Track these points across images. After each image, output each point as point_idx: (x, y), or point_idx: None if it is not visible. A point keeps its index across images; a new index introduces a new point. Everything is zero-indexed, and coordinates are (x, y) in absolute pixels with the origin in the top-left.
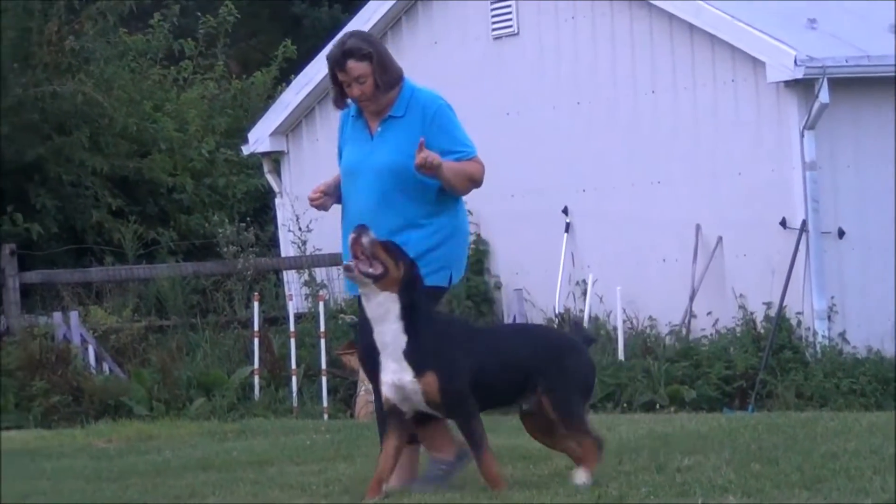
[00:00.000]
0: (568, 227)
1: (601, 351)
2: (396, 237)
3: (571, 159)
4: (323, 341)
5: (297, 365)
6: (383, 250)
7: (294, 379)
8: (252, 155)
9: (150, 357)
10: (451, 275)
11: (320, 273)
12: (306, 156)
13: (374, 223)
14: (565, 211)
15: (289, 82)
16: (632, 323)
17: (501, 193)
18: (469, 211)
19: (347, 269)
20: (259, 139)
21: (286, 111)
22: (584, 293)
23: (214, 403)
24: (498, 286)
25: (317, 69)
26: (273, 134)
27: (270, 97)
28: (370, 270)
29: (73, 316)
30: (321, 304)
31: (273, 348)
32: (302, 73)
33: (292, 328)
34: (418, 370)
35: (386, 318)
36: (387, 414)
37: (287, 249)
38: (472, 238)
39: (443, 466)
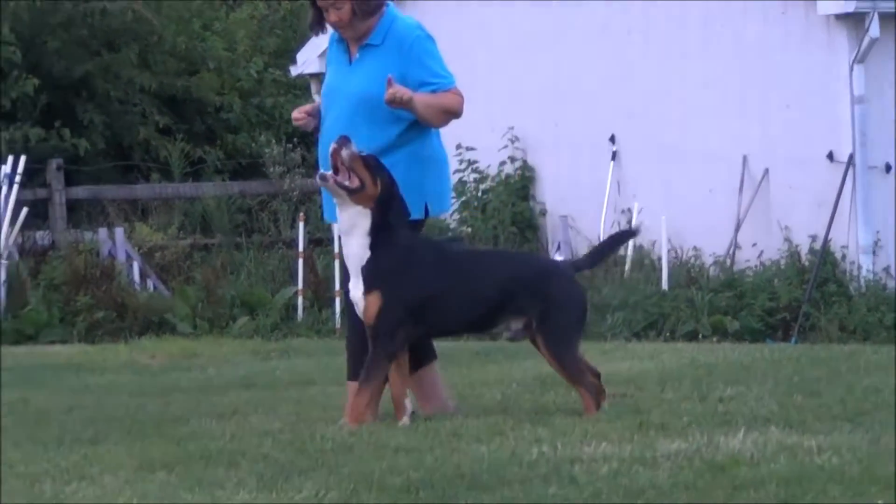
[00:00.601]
0: (614, 155)
1: (644, 280)
2: None
3: (620, 88)
4: None
5: (341, 286)
6: (363, 165)
7: (337, 300)
8: (300, 76)
9: (194, 275)
10: (426, 205)
11: None
12: None
13: None
14: (612, 139)
15: None
16: (676, 253)
17: (548, 120)
18: (516, 137)
19: (323, 178)
20: (307, 60)
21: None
22: (629, 221)
23: (258, 322)
24: (543, 213)
25: None
26: (321, 55)
27: None
28: (346, 183)
29: (119, 232)
30: None
31: (317, 269)
32: None
33: (336, 249)
34: (367, 287)
35: (353, 231)
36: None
37: None
38: (517, 164)
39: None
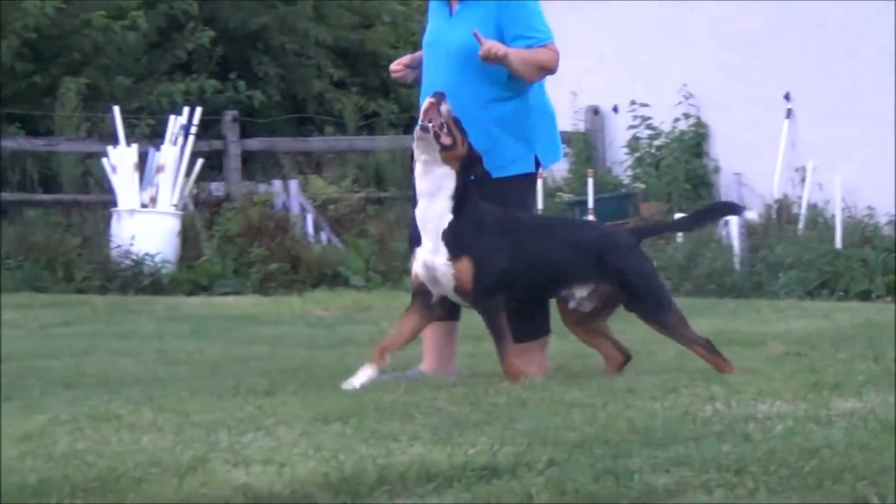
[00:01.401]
0: (789, 112)
1: (818, 239)
2: (466, 120)
3: (794, 45)
4: None
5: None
6: (454, 123)
7: None
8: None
9: (367, 228)
10: (536, 157)
11: None
12: None
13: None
14: (787, 96)
15: None
16: (850, 212)
17: (722, 76)
18: (690, 93)
19: (424, 129)
20: None
21: None
22: (803, 180)
23: None
24: (716, 170)
25: None
26: None
27: None
28: (443, 139)
29: (293, 184)
30: (539, 181)
31: None
32: None
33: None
34: (454, 254)
35: (438, 193)
36: (413, 291)
37: None
38: (691, 121)
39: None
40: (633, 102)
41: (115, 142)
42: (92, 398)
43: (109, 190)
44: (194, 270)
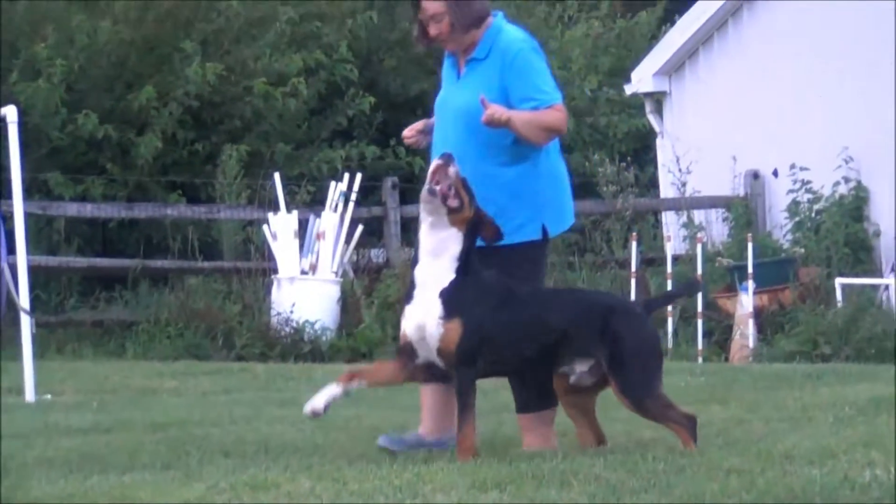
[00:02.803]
0: None
1: None
2: (473, 183)
3: None
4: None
5: (673, 307)
6: (462, 186)
7: (670, 320)
8: (634, 95)
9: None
10: (543, 226)
11: (699, 215)
12: (689, 97)
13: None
14: None
15: (673, 22)
16: None
17: (883, 138)
18: (850, 157)
19: (432, 192)
20: (641, 79)
21: (670, 51)
22: None
23: None
24: (877, 234)
25: (702, 9)
26: (656, 74)
27: (654, 37)
28: (450, 201)
29: None
30: (699, 246)
31: (650, 289)
32: (687, 14)
33: (669, 269)
34: (448, 313)
35: (442, 254)
36: (398, 349)
37: (666, 191)
38: (851, 185)
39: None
40: (792, 166)
41: (275, 209)
42: (251, 466)
43: (270, 257)
44: (354, 338)
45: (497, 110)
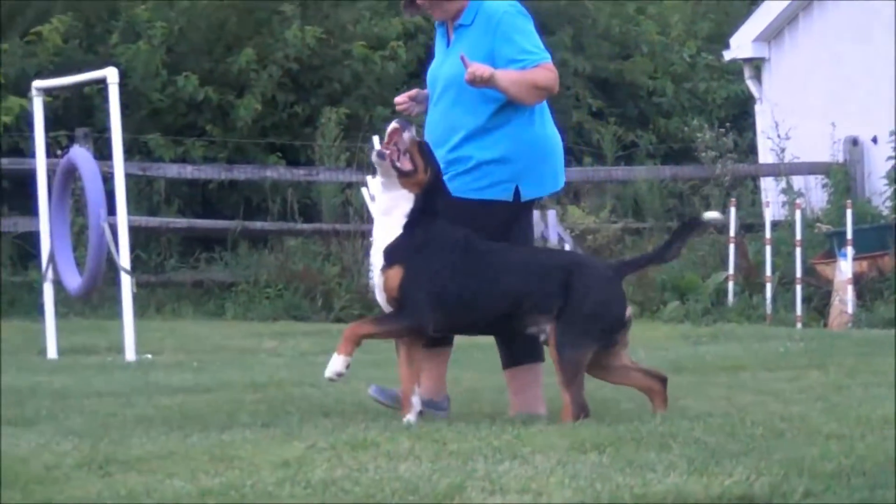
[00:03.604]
0: None
1: None
2: (458, 149)
3: None
4: (798, 250)
5: (772, 272)
6: (418, 150)
7: (768, 286)
8: (733, 61)
9: (625, 258)
10: (517, 188)
11: (798, 181)
12: (787, 62)
13: (441, 135)
14: None
15: None
16: None
17: None
18: None
19: (380, 155)
20: (740, 45)
21: (769, 17)
22: None
23: (688, 307)
24: None
25: None
26: (755, 40)
27: (753, 3)
28: (398, 164)
29: (551, 214)
30: (798, 212)
31: (748, 255)
32: None
33: (768, 235)
34: (388, 262)
35: (391, 213)
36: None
37: (765, 156)
38: None
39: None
40: (892, 133)
41: (374, 171)
42: (350, 426)
43: (368, 219)
44: None
45: (478, 68)
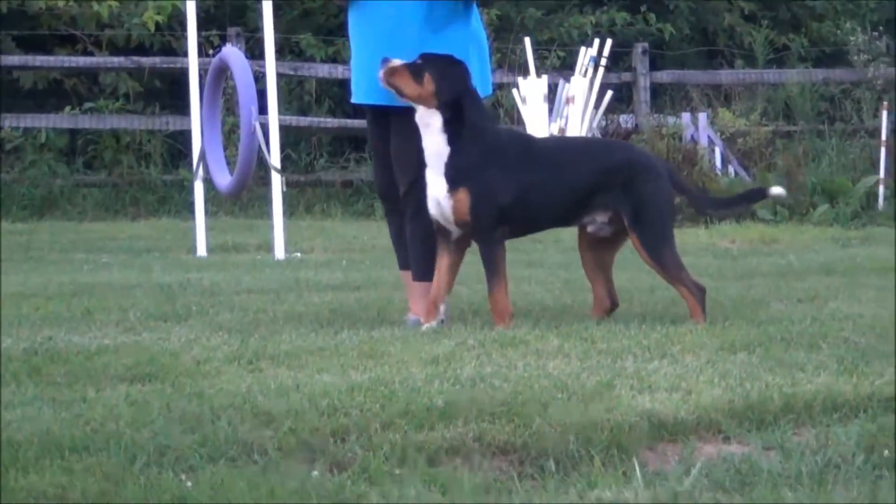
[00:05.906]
0: None
1: None
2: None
3: None
4: None
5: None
6: (403, 74)
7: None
8: None
9: (776, 161)
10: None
11: None
12: None
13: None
14: None
15: None
16: None
17: None
18: None
19: (389, 84)
20: None
21: None
22: None
23: (838, 210)
24: None
25: None
26: None
27: None
28: (405, 90)
29: (702, 117)
30: None
31: None
32: None
33: None
34: (452, 185)
35: (427, 129)
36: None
37: None
38: None
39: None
40: None
41: (525, 73)
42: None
43: (519, 120)
44: None
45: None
